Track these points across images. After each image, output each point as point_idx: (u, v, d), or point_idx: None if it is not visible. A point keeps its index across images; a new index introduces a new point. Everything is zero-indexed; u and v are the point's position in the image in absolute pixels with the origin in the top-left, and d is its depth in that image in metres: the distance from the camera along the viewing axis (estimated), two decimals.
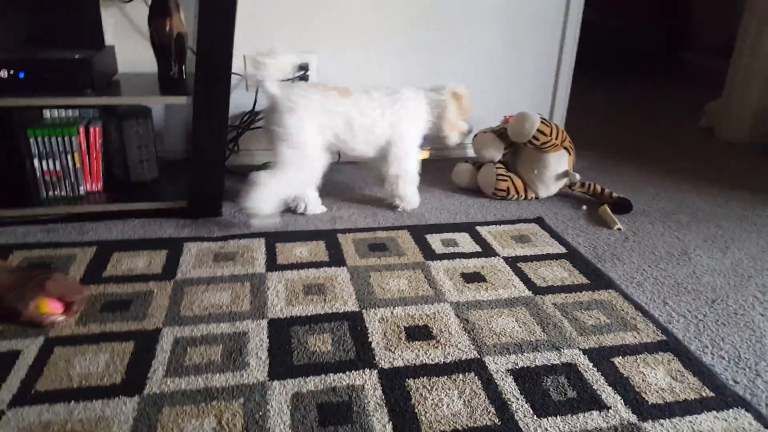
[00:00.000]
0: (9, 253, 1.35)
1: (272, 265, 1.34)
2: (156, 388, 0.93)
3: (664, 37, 4.67)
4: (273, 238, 1.48)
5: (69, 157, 1.56)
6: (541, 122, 1.77)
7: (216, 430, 0.85)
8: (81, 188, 1.60)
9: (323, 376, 0.97)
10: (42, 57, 1.46)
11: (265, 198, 1.49)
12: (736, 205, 1.88)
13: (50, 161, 1.55)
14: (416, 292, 1.25)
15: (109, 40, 1.81)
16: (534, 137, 1.77)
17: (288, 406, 0.90)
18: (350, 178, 2.01)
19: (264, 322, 1.12)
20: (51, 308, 1.06)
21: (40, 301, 1.05)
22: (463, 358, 1.04)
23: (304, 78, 2.03)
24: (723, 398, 0.97)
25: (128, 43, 1.85)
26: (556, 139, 1.79)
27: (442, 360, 1.03)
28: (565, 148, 1.84)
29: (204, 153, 1.56)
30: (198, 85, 1.47)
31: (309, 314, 1.15)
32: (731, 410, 0.94)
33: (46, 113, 1.60)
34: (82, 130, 1.56)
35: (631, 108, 3.39)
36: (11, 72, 1.42)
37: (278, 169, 1.50)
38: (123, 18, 1.84)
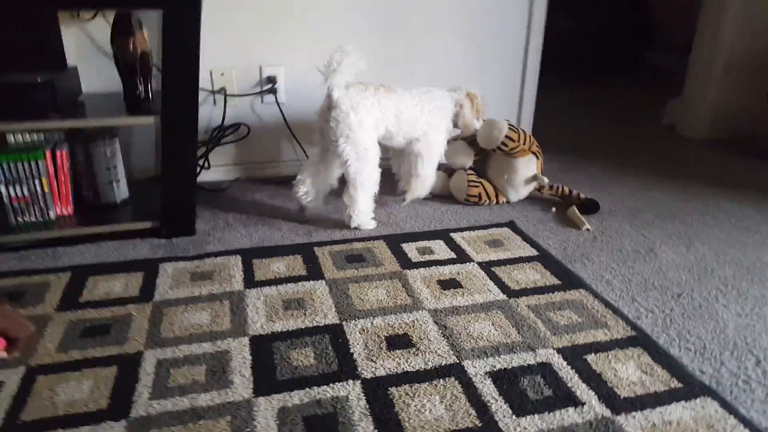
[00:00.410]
0: None
1: (250, 281, 1.35)
2: (142, 410, 0.94)
3: (628, 38, 4.80)
4: (249, 255, 1.48)
5: (36, 182, 1.54)
6: (509, 128, 1.82)
7: None
8: (51, 213, 1.58)
9: (307, 389, 0.99)
10: (2, 81, 1.44)
11: (363, 212, 1.66)
12: (698, 200, 1.96)
13: (17, 187, 1.53)
14: (395, 302, 1.28)
15: (71, 60, 1.80)
16: (503, 143, 1.82)
17: (275, 421, 0.92)
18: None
19: (245, 340, 1.13)
20: None
21: None
22: (442, 364, 1.07)
23: (272, 91, 2.04)
24: (690, 388, 1.02)
25: (91, 63, 1.84)
26: (524, 144, 1.84)
27: (423, 367, 1.06)
28: (533, 152, 1.89)
29: (175, 171, 1.56)
30: (165, 103, 1.47)
31: (290, 329, 1.16)
32: (698, 399, 0.99)
33: (10, 138, 1.57)
34: (48, 153, 1.55)
35: (596, 108, 3.49)
36: None
37: (352, 180, 1.63)
38: (85, 38, 1.83)
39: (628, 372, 1.06)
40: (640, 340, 1.16)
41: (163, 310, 1.23)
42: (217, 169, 2.09)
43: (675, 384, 1.03)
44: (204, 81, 1.96)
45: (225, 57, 1.98)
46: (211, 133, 2.03)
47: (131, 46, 1.58)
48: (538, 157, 1.91)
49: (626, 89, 4.09)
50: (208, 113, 2.02)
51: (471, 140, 1.95)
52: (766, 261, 1.52)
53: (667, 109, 2.97)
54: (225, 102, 2.01)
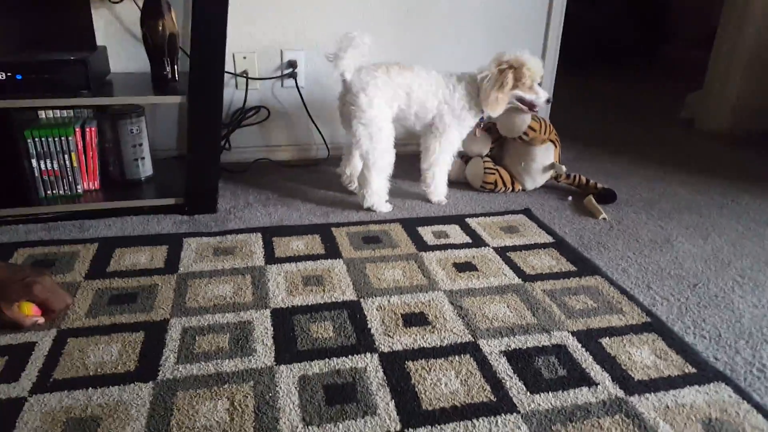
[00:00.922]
0: (13, 251, 1.38)
1: (271, 258, 1.38)
2: (169, 374, 0.97)
3: (646, 31, 4.76)
4: (269, 233, 1.52)
5: (66, 157, 1.59)
6: (532, 118, 1.82)
7: (229, 411, 0.89)
8: (79, 187, 1.63)
9: (327, 360, 1.02)
10: (39, 59, 1.49)
11: (376, 193, 1.68)
12: (716, 193, 1.96)
13: (48, 161, 1.57)
14: (411, 282, 1.30)
15: (100, 41, 1.84)
16: (524, 133, 1.82)
17: (296, 388, 0.95)
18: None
19: (267, 312, 1.16)
20: (33, 311, 1.07)
21: (23, 303, 1.06)
22: (458, 342, 1.09)
23: (293, 75, 2.06)
24: (704, 374, 1.03)
25: (120, 44, 1.88)
26: (544, 133, 1.85)
27: (439, 344, 1.08)
28: (552, 140, 1.90)
29: (199, 150, 1.59)
30: (192, 83, 1.50)
31: (309, 304, 1.19)
32: (712, 384, 1.00)
33: (42, 114, 1.62)
34: (78, 130, 1.59)
35: (614, 101, 3.46)
36: (9, 74, 1.44)
37: (364, 160, 1.66)
38: (113, 19, 1.86)
39: (643, 356, 1.07)
40: (655, 326, 1.17)
41: (188, 281, 1.26)
42: (237, 151, 2.12)
43: (689, 369, 1.04)
44: (227, 64, 1.99)
45: (247, 41, 2.01)
46: (232, 115, 2.06)
47: (160, 27, 1.62)
48: (556, 146, 1.91)
49: (644, 82, 4.06)
50: (230, 96, 2.05)
51: (488, 127, 1.95)
52: None
53: (687, 103, 2.94)
54: (246, 85, 2.03)
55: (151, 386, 0.94)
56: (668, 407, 0.94)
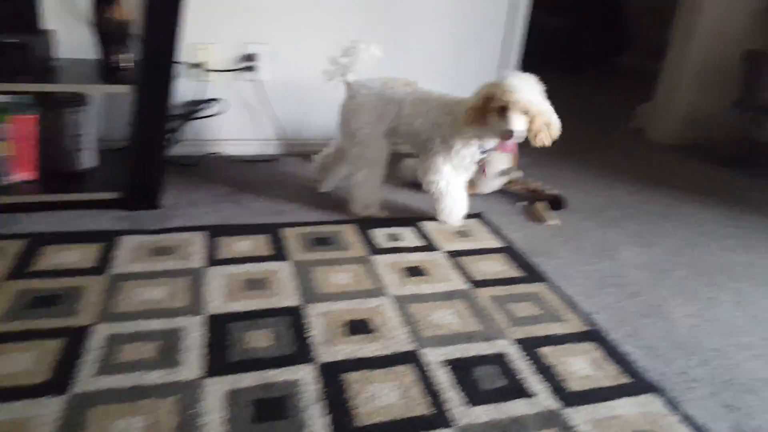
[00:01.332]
0: None
1: (212, 259, 1.33)
2: (84, 386, 0.91)
3: (605, 40, 4.85)
4: (214, 232, 1.46)
5: None
6: None
7: (147, 429, 0.85)
8: (11, 178, 1.53)
9: (261, 372, 0.98)
10: None
11: (366, 196, 1.64)
12: (661, 203, 2.01)
13: None
14: (359, 287, 1.28)
15: (51, 25, 1.73)
16: None
17: (223, 403, 0.91)
18: (300, 169, 2.00)
19: (201, 318, 1.11)
20: None
21: None
22: (401, 351, 1.08)
23: (253, 68, 2.01)
24: (638, 384, 1.05)
25: (70, 29, 1.78)
26: None
27: (381, 353, 1.06)
28: None
29: (143, 142, 1.52)
30: (141, 73, 1.43)
31: (248, 310, 1.15)
32: (644, 396, 1.02)
33: None
34: (15, 117, 1.49)
35: (571, 108, 3.50)
36: None
37: (356, 164, 1.63)
38: (65, 2, 1.76)
39: (580, 366, 1.08)
40: (593, 335, 1.18)
41: (119, 283, 1.20)
42: (190, 144, 2.05)
43: (623, 380, 1.06)
44: (184, 54, 1.92)
45: (207, 31, 1.94)
46: (186, 106, 1.99)
47: (113, 13, 1.54)
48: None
49: (602, 91, 4.14)
50: (186, 87, 1.98)
51: None
52: (718, 265, 1.57)
53: (638, 113, 3.01)
54: (203, 77, 1.97)
55: (63, 401, 0.88)
56: (601, 420, 0.95)
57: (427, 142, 1.60)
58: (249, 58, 2.00)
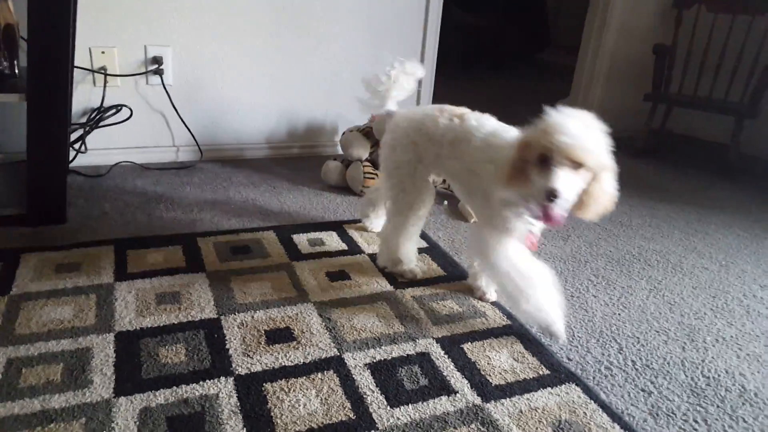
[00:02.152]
0: None
1: (122, 274, 1.26)
2: None
3: (527, 37, 5.04)
4: (124, 245, 1.39)
5: None
6: None
7: None
8: None
9: (175, 388, 0.94)
10: None
11: (393, 250, 1.38)
12: None
13: None
14: (279, 294, 1.25)
15: None
16: None
17: (135, 423, 0.86)
18: (216, 176, 1.94)
19: (110, 336, 1.05)
20: None
21: None
22: (322, 357, 1.05)
23: (158, 72, 1.92)
24: (557, 375, 1.07)
25: None
26: None
27: (302, 361, 1.04)
28: None
29: (42, 154, 1.42)
30: (31, 80, 1.34)
31: (161, 324, 1.10)
32: (564, 386, 1.05)
33: None
34: None
35: (493, 104, 3.61)
36: None
37: (389, 210, 1.40)
38: None
39: (501, 360, 1.10)
40: (514, 329, 1.21)
41: (20, 304, 1.11)
42: (95, 153, 1.94)
43: (543, 371, 1.08)
44: (82, 59, 1.81)
45: (107, 34, 1.84)
46: (89, 114, 1.88)
47: None
48: None
49: (523, 87, 4.29)
50: (87, 93, 1.87)
51: (367, 131, 1.94)
52: (634, 254, 1.65)
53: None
54: (105, 82, 1.86)
55: None
56: (522, 411, 0.97)
57: (470, 195, 1.27)
58: (154, 61, 1.91)
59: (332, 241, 1.54)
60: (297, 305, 1.21)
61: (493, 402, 0.98)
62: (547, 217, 1.03)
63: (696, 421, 1.00)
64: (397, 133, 1.33)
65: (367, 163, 1.91)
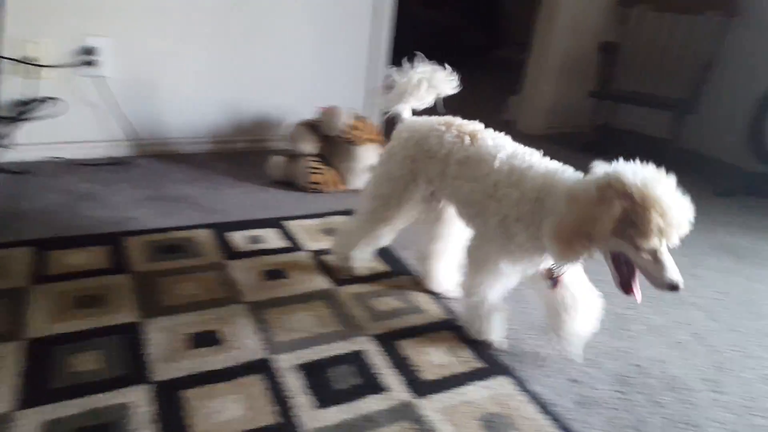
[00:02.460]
0: None
1: (39, 276, 1.19)
2: None
3: (482, 33, 5.07)
4: (45, 246, 1.31)
5: None
6: (352, 117, 1.80)
7: None
8: None
9: (86, 397, 0.88)
10: None
11: (347, 245, 1.32)
12: None
13: None
14: (209, 295, 1.20)
15: None
16: (343, 131, 1.79)
17: None
18: (153, 172, 1.86)
19: (20, 344, 0.98)
20: None
21: None
22: (250, 360, 1.01)
23: (94, 63, 1.83)
24: (490, 368, 1.07)
25: None
26: (366, 132, 1.84)
27: (227, 365, 1.00)
28: (376, 141, 1.89)
29: None
30: None
31: (77, 330, 1.04)
32: (496, 378, 1.04)
33: None
34: None
35: (448, 101, 3.61)
36: None
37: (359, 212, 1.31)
38: None
39: (436, 355, 1.08)
40: (451, 323, 1.19)
41: None
42: (23, 149, 1.83)
43: (477, 365, 1.07)
44: (8, 48, 1.71)
45: (37, 23, 1.74)
46: (15, 107, 1.78)
47: None
48: (380, 146, 1.92)
49: (478, 83, 4.30)
50: (15, 85, 1.76)
51: (314, 125, 1.90)
52: None
53: (508, 105, 3.15)
54: (34, 73, 1.76)
55: None
56: (451, 406, 0.95)
57: (480, 218, 1.12)
58: (88, 52, 1.82)
59: (272, 238, 1.49)
60: (227, 306, 1.17)
61: (423, 398, 0.96)
62: (628, 290, 0.93)
63: (621, 409, 1.01)
64: (396, 144, 1.24)
65: (315, 158, 1.87)
